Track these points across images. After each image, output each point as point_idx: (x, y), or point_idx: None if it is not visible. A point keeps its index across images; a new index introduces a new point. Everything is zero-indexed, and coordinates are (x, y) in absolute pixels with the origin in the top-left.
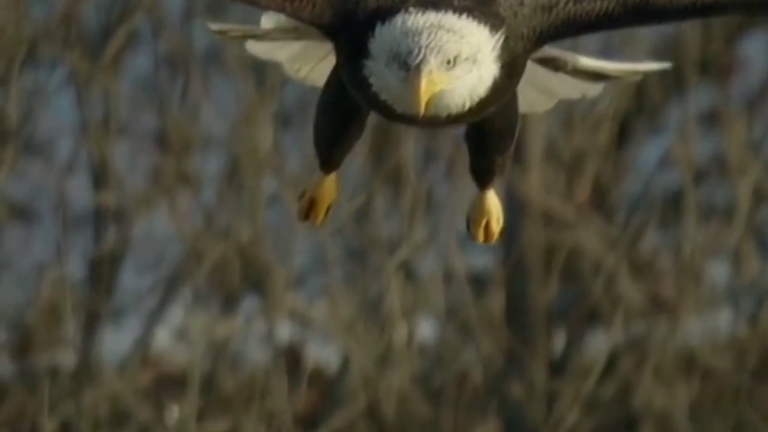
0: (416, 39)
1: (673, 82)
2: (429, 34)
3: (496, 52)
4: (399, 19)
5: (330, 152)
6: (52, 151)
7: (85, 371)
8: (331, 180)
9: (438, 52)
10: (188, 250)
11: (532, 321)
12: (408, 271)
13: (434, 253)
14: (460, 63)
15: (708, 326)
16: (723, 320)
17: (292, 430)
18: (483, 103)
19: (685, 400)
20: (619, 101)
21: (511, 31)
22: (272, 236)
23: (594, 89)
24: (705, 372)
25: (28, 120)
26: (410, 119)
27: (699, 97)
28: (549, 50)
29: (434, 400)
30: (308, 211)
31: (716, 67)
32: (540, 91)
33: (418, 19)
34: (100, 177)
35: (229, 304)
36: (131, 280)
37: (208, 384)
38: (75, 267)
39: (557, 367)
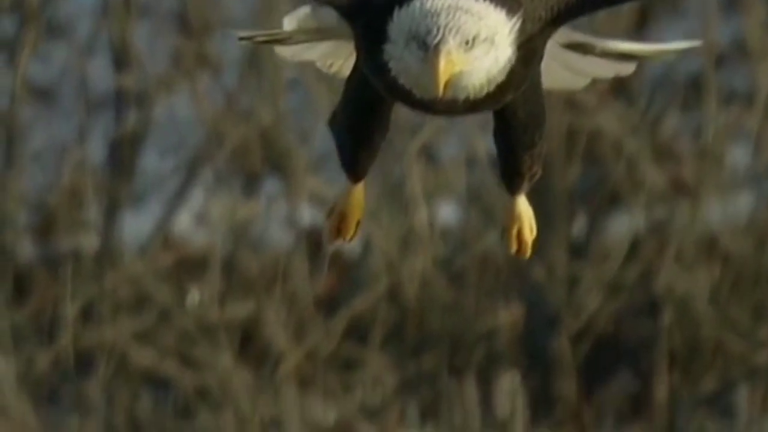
0: (435, 19)
1: None
2: (447, 15)
3: (513, 35)
4: (417, 1)
5: (355, 157)
6: (73, 34)
7: (107, 254)
8: (359, 191)
9: (456, 32)
10: (209, 133)
11: (553, 204)
12: (430, 155)
13: (456, 137)
14: (478, 44)
15: (729, 210)
16: (743, 203)
17: (313, 313)
18: (501, 87)
19: (706, 284)
20: None
21: (528, 14)
22: (293, 119)
23: (627, 68)
24: (725, 256)
25: (49, 2)
26: (429, 104)
27: None
28: (575, 36)
29: (456, 284)
30: (338, 227)
31: None
32: (573, 72)
33: (437, 2)
34: (120, 59)
35: (250, 186)
36: (152, 162)
37: (229, 267)
38: (96, 150)
39: (578, 251)
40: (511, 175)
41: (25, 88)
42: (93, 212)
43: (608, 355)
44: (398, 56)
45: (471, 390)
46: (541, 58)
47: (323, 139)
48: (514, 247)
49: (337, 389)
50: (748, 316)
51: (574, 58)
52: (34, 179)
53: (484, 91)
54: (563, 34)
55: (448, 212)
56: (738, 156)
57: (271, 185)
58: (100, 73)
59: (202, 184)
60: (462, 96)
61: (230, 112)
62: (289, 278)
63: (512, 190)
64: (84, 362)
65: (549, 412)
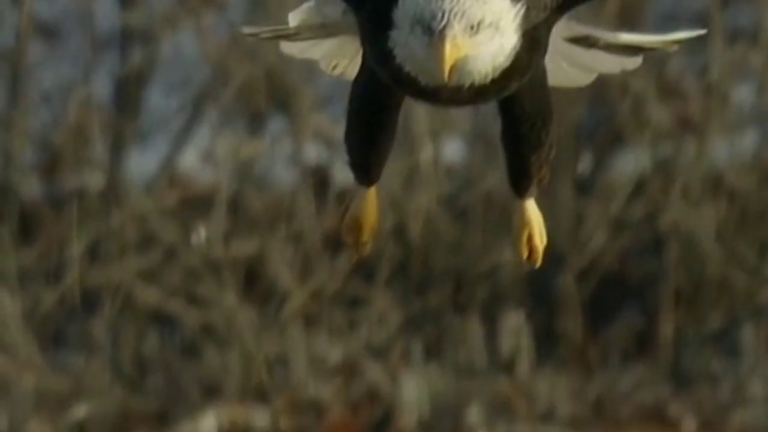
0: (439, 4)
1: None
2: (452, 0)
3: (518, 21)
4: None
5: (365, 158)
6: None
7: (112, 192)
8: (371, 196)
9: (461, 17)
10: (214, 71)
11: (559, 142)
12: None
13: None
14: (483, 29)
15: (734, 147)
16: (749, 141)
17: (319, 251)
18: (506, 74)
19: (712, 221)
20: None
21: (532, 2)
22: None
23: (632, 63)
24: (731, 193)
25: None
26: (435, 92)
27: None
28: (579, 28)
29: (461, 221)
30: (355, 239)
31: None
32: (578, 68)
33: None
34: None
35: (255, 124)
36: (158, 100)
37: (235, 205)
38: (102, 87)
39: (584, 189)
40: (519, 178)
41: (30, 25)
42: (98, 150)
43: (613, 292)
44: (403, 42)
45: (476, 328)
46: (546, 48)
47: (328, 77)
48: (525, 254)
49: (343, 327)
50: (754, 253)
51: (578, 52)
52: (39, 117)
53: (489, 78)
54: (567, 27)
55: (453, 149)
56: (743, 94)
57: (276, 123)
58: (106, 11)
59: (208, 121)
60: (467, 82)
61: (236, 50)
62: (295, 216)
63: (521, 192)
64: (90, 301)
65: (554, 350)
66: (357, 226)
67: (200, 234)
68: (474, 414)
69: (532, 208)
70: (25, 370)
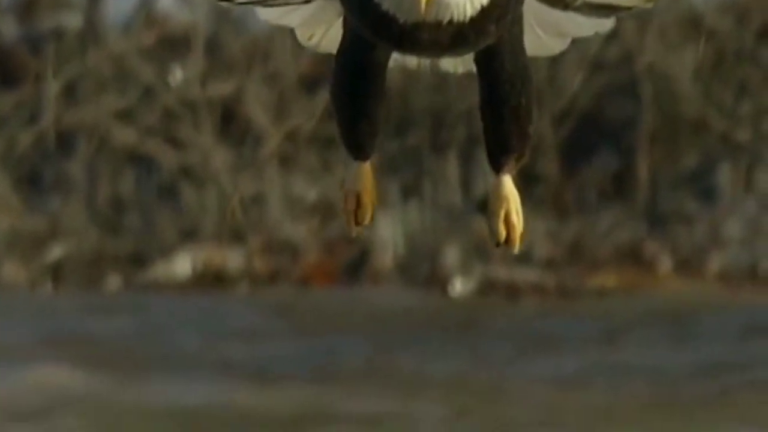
0: None
1: None
2: None
3: None
4: None
5: (355, 128)
6: None
7: (90, 32)
8: (367, 172)
9: None
10: None
11: None
12: None
13: None
14: None
15: None
16: None
17: (295, 92)
18: (484, 14)
19: (689, 62)
20: None
21: None
22: None
23: (605, 24)
24: (708, 34)
25: None
26: (415, 34)
27: None
28: None
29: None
30: (356, 212)
31: None
32: (552, 34)
33: None
34: None
35: None
36: None
37: (212, 46)
38: None
39: None
40: (498, 150)
41: None
42: None
43: (590, 134)
44: None
45: (452, 168)
46: None
47: None
48: (503, 233)
49: (318, 168)
50: (730, 93)
51: (553, 15)
52: None
53: (468, 14)
54: None
55: None
56: None
57: None
58: None
59: None
60: (446, 17)
61: None
62: (271, 57)
63: (499, 167)
64: (66, 142)
65: (530, 192)
66: (356, 203)
67: (177, 74)
68: (450, 255)
69: (509, 184)
70: (1, 210)
